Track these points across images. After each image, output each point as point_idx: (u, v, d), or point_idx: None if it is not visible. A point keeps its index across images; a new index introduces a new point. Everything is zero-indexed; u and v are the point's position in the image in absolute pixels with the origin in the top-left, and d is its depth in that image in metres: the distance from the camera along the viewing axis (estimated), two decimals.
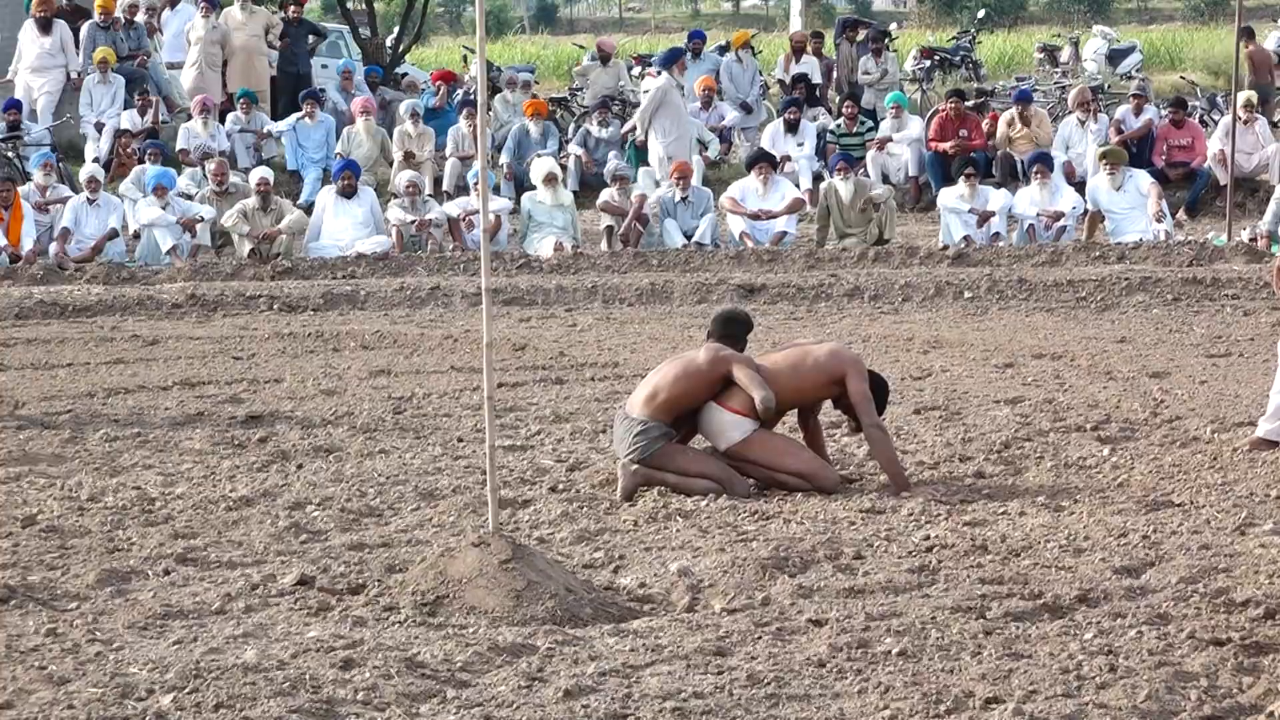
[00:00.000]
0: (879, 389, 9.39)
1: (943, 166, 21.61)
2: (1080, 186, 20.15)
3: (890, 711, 5.72)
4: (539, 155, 21.13)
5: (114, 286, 17.36)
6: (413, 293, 16.89)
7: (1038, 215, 19.14)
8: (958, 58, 30.60)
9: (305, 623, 6.80)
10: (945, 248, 18.40)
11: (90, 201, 19.20)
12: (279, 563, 7.77)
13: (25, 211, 19.00)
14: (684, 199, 19.33)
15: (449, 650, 6.34)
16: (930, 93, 28.26)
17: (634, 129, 23.35)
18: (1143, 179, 19.38)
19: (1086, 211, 19.54)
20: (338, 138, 22.54)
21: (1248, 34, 25.02)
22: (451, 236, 19.44)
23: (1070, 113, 22.70)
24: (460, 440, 10.54)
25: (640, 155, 22.69)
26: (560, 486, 9.29)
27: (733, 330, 9.52)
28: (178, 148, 21.97)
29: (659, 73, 22.55)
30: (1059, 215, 19.10)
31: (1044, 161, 19.71)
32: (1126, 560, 7.49)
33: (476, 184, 18.49)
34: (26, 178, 20.34)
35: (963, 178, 19.32)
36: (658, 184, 20.28)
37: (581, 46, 34.80)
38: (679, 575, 7.41)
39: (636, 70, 28.80)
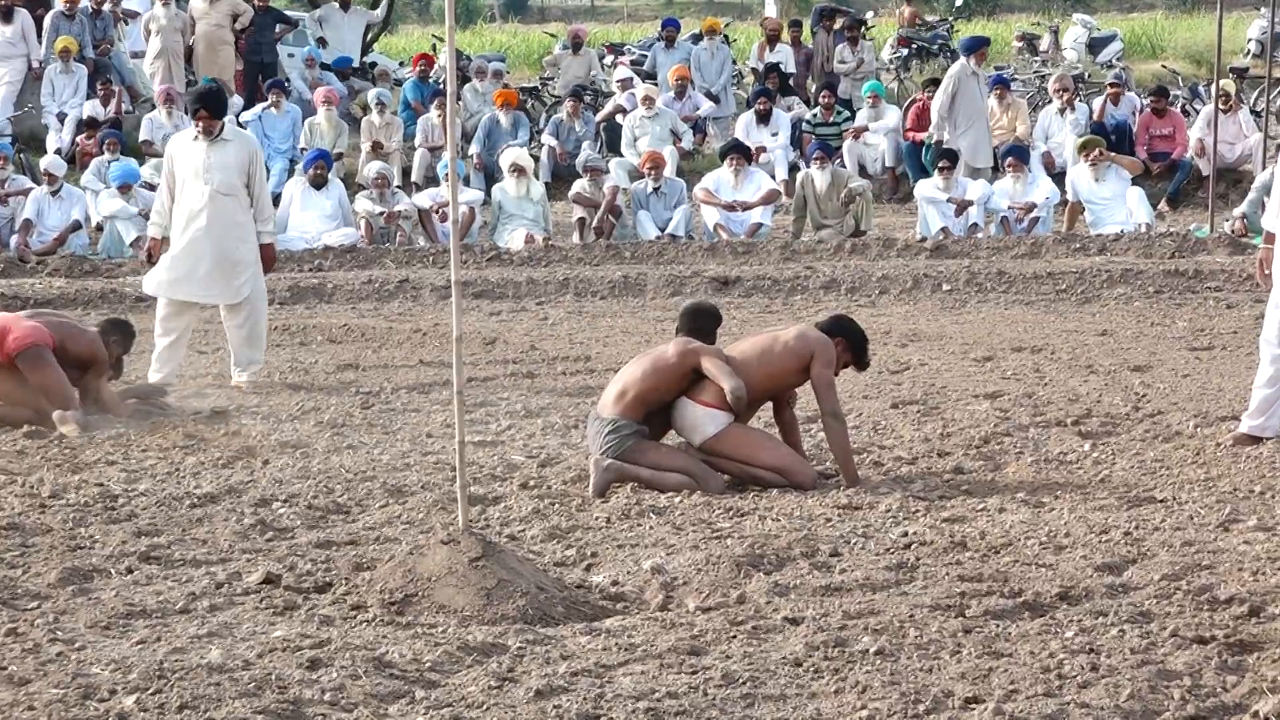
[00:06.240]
0: (858, 340, 9.29)
1: (920, 157, 21.49)
2: (1060, 177, 20.09)
3: (868, 711, 5.64)
4: (509, 146, 21.01)
5: (77, 279, 17.23)
6: (381, 285, 16.79)
7: (1009, 208, 19.07)
8: (935, 46, 30.50)
9: (271, 622, 6.71)
10: (923, 239, 18.34)
11: (52, 193, 19.07)
12: (244, 561, 7.67)
13: None
14: (657, 190, 19.23)
15: (418, 650, 6.26)
16: (908, 82, 28.14)
17: (608, 118, 23.24)
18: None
19: (1065, 202, 19.49)
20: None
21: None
22: (422, 228, 19.32)
23: (1050, 101, 22.62)
24: (429, 436, 10.45)
25: (612, 144, 22.58)
26: (531, 483, 9.19)
27: (701, 323, 9.49)
28: (141, 139, 21.77)
29: (959, 58, 21.42)
30: (1031, 207, 19.03)
31: (1017, 154, 19.64)
32: (1108, 557, 7.42)
33: (448, 175, 18.46)
34: None
35: (937, 171, 19.22)
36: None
37: (553, 35, 34.71)
38: (652, 573, 7.33)
39: (609, 59, 28.66)
